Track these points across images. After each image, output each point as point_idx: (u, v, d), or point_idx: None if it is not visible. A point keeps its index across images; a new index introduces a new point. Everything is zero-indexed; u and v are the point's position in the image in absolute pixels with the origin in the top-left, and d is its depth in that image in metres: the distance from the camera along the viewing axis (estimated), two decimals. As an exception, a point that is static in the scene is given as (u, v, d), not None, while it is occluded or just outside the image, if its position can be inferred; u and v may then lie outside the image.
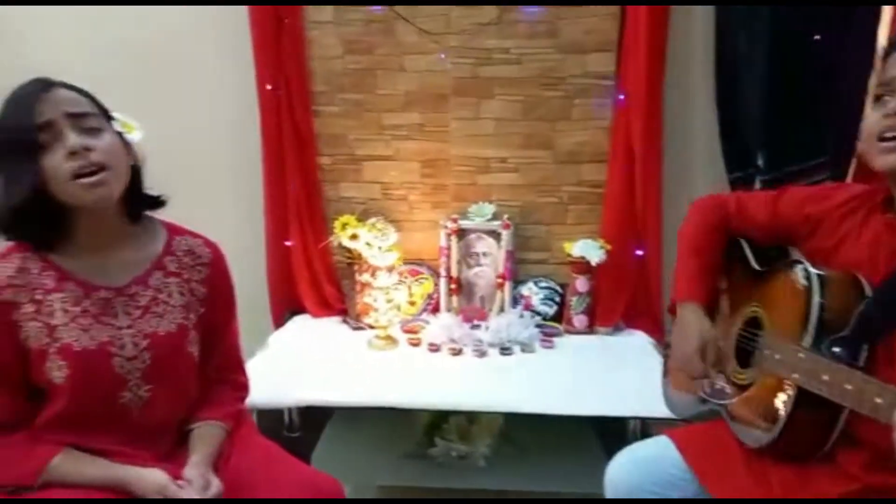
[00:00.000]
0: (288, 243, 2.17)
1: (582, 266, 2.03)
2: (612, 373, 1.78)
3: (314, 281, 2.20)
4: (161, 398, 1.19)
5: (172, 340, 1.20)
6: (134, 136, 1.17)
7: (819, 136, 2.03)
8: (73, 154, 1.05)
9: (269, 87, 2.02)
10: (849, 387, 0.94)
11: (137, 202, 1.21)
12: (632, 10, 1.95)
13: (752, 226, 1.31)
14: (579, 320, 2.07)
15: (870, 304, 1.02)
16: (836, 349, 1.01)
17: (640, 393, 1.62)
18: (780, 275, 1.18)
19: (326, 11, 2.03)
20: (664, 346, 1.55)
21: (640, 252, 2.08)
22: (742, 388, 1.18)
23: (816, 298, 1.05)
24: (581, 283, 2.05)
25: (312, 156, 2.14)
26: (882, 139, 1.03)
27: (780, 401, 1.06)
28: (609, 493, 1.27)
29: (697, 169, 2.13)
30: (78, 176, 1.06)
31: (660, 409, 1.50)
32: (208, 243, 1.29)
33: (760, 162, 2.06)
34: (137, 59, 2.07)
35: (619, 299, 2.09)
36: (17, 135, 1.05)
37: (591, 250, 2.02)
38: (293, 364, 1.84)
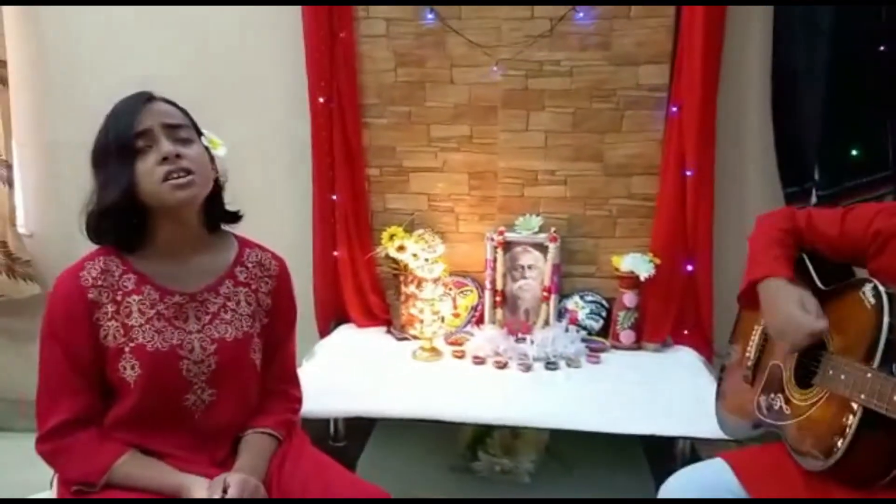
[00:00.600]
0: (335, 253, 2.20)
1: (630, 280, 2.00)
2: (661, 390, 1.74)
3: (360, 291, 2.22)
4: (223, 403, 1.23)
5: (237, 346, 1.25)
6: (219, 151, 1.26)
7: (881, 150, 1.96)
8: (165, 159, 1.14)
9: (321, 99, 2.06)
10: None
11: (216, 214, 1.30)
12: (686, 21, 1.93)
13: (822, 241, 1.28)
14: (626, 336, 2.03)
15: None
16: (907, 371, 0.97)
17: (689, 412, 1.59)
18: (846, 293, 1.15)
19: (379, 26, 2.06)
20: (719, 368, 1.51)
21: (690, 267, 2.04)
22: (802, 408, 1.14)
23: (886, 318, 1.02)
24: (629, 298, 2.02)
25: (361, 167, 2.16)
26: None
27: (844, 422, 1.03)
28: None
29: (751, 183, 2.09)
30: (168, 178, 1.14)
31: (709, 430, 1.48)
32: (276, 257, 1.36)
33: (818, 176, 2.00)
34: (198, 71, 2.15)
35: (668, 315, 2.05)
36: (118, 140, 1.14)
37: (639, 264, 1.99)
38: (339, 374, 1.85)
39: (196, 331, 1.22)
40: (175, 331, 1.20)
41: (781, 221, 1.30)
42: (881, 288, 1.06)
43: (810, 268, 1.29)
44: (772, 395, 1.22)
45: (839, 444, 1.02)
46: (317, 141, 2.11)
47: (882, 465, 1.01)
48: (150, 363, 1.17)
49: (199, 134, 1.25)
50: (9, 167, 2.28)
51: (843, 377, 1.05)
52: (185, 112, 1.25)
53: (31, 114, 2.32)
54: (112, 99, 2.26)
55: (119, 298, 1.18)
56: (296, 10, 2.02)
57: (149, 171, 1.14)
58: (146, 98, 1.19)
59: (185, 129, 1.21)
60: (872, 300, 1.05)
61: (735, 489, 1.16)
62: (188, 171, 1.16)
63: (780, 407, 1.19)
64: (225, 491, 1.10)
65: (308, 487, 1.20)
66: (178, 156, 1.15)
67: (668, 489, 1.24)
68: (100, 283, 1.18)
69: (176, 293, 1.22)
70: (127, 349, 1.17)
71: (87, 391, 1.18)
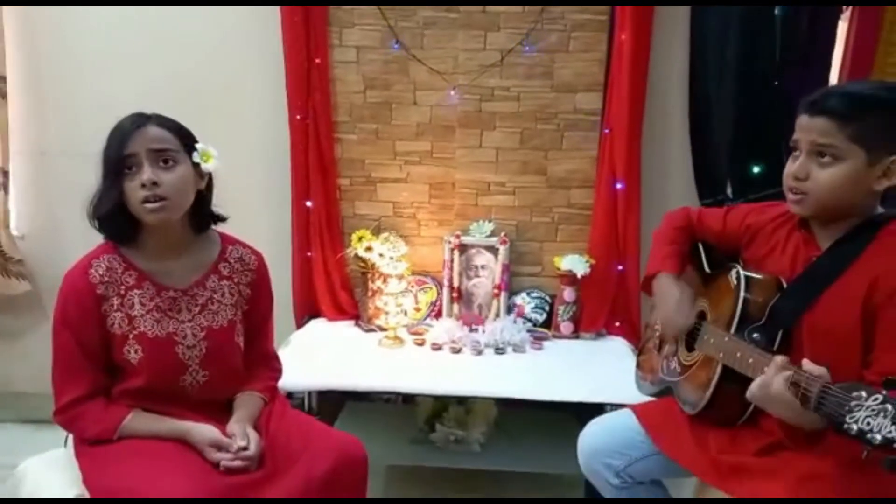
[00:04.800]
0: (309, 254, 2.44)
1: (569, 278, 2.29)
2: (592, 370, 2.03)
3: (331, 288, 2.45)
4: (215, 381, 1.45)
5: (224, 333, 1.46)
6: (209, 165, 1.42)
7: (779, 167, 2.28)
8: (143, 185, 1.32)
9: (298, 117, 2.31)
10: (739, 354, 1.22)
11: (201, 219, 1.47)
12: (616, 55, 2.24)
13: (709, 234, 1.58)
14: (566, 327, 2.32)
15: (779, 299, 1.28)
16: (756, 335, 1.27)
17: (615, 385, 1.86)
18: (721, 276, 1.45)
19: (351, 53, 2.33)
20: (640, 341, 1.80)
21: (620, 267, 2.34)
22: (688, 367, 1.43)
23: (742, 294, 1.32)
24: (568, 294, 2.31)
25: (333, 177, 2.41)
26: (790, 191, 1.29)
27: (710, 376, 1.32)
28: (581, 454, 1.52)
29: (673, 195, 2.40)
30: (145, 202, 1.32)
31: (630, 398, 1.72)
32: (254, 252, 1.57)
33: (729, 190, 2.35)
34: (187, 91, 2.36)
35: (602, 309, 2.34)
36: (111, 161, 1.33)
37: (577, 264, 2.28)
38: (313, 357, 2.07)
39: (188, 320, 1.42)
40: (170, 320, 1.40)
41: (678, 220, 1.61)
42: (741, 272, 1.36)
43: (702, 255, 1.59)
44: (669, 358, 1.52)
45: (706, 393, 1.32)
46: (294, 153, 2.34)
47: (737, 409, 1.30)
48: (151, 347, 1.37)
49: (192, 149, 1.39)
50: (5, 174, 2.47)
51: (711, 341, 1.35)
52: (178, 129, 1.39)
53: (26, 124, 2.49)
54: (101, 112, 2.47)
55: (123, 293, 1.37)
56: (277, 38, 2.27)
57: (132, 191, 1.32)
58: (140, 122, 1.34)
59: (171, 152, 1.35)
60: (735, 281, 1.36)
61: (637, 429, 1.45)
62: (162, 198, 1.32)
63: (674, 367, 1.49)
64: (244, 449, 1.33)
65: (291, 438, 1.42)
66: (154, 183, 1.31)
67: (587, 431, 1.53)
68: (106, 279, 1.36)
69: (170, 288, 1.41)
70: (131, 336, 1.37)
71: (94, 371, 1.38)
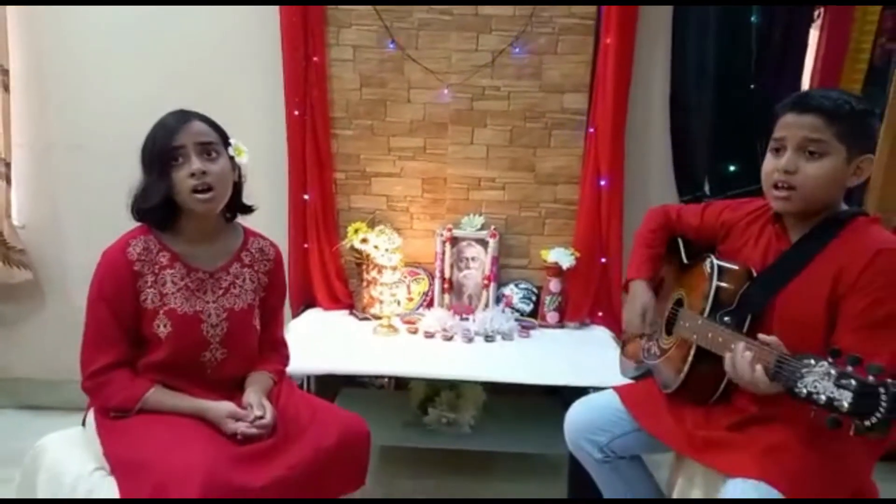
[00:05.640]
0: (305, 245, 2.53)
1: (555, 270, 2.41)
2: (576, 356, 2.14)
3: (326, 278, 2.55)
4: (231, 359, 1.55)
5: (243, 315, 1.57)
6: (242, 159, 1.54)
7: (754, 167, 2.42)
8: (192, 175, 1.42)
9: (296, 112, 2.40)
10: (710, 335, 1.34)
11: (234, 209, 1.60)
12: (602, 58, 2.36)
13: (688, 229, 1.70)
14: (552, 316, 2.44)
15: (749, 287, 1.40)
16: (727, 318, 1.39)
17: (597, 370, 1.97)
18: (697, 265, 1.57)
19: (348, 52, 2.42)
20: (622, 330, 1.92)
21: (603, 260, 2.46)
22: (666, 350, 1.55)
23: (714, 282, 1.43)
24: (554, 285, 2.42)
25: (329, 171, 2.50)
26: (775, 187, 1.37)
27: (685, 357, 1.43)
28: (567, 431, 1.63)
29: (654, 192, 2.52)
30: (195, 191, 1.43)
31: (612, 381, 1.84)
32: (273, 245, 1.69)
33: (707, 188, 2.48)
34: (188, 85, 2.44)
35: (586, 299, 2.46)
36: (161, 153, 1.43)
37: (563, 257, 2.39)
38: (311, 344, 2.16)
39: (213, 301, 1.53)
40: (197, 300, 1.51)
41: (658, 218, 1.73)
42: (715, 262, 1.47)
43: (681, 247, 1.71)
44: (650, 342, 1.64)
45: (682, 372, 1.43)
46: (292, 148, 2.43)
47: (710, 386, 1.42)
48: (179, 323, 1.48)
49: (227, 144, 1.51)
50: (7, 165, 2.52)
51: (687, 325, 1.47)
52: (217, 127, 1.51)
53: (28, 117, 2.54)
54: (102, 106, 2.50)
55: (156, 271, 1.48)
56: (276, 37, 2.35)
57: (182, 181, 1.43)
58: (185, 118, 1.46)
59: (215, 145, 1.47)
60: (709, 270, 1.47)
61: (619, 408, 1.57)
62: (210, 187, 1.44)
63: (654, 350, 1.61)
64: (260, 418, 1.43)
65: (300, 413, 1.53)
66: (204, 172, 1.42)
67: (573, 410, 1.64)
68: (143, 258, 1.47)
69: (199, 270, 1.53)
70: (161, 311, 1.47)
71: (124, 342, 1.47)
